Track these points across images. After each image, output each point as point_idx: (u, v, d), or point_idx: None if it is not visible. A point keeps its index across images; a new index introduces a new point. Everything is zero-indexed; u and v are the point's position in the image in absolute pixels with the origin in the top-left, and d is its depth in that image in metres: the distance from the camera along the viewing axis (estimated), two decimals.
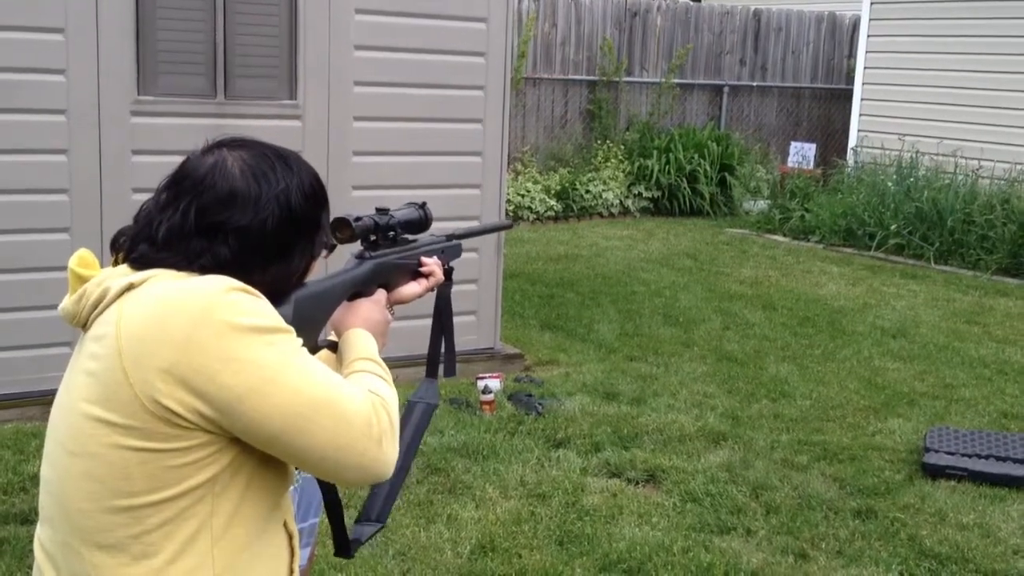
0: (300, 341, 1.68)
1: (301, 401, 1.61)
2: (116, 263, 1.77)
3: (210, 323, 1.59)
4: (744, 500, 4.35)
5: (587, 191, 11.70)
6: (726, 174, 12.42)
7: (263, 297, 1.67)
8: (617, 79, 12.73)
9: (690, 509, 4.24)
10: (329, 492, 2.04)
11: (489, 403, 5.19)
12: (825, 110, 14.62)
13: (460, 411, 5.16)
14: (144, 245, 1.71)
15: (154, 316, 1.61)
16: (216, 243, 1.70)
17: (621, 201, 11.94)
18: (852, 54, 13.97)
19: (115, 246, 1.78)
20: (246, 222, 1.71)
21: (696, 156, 12.29)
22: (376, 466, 1.69)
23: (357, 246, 2.08)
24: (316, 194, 1.83)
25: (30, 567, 2.33)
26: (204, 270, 1.68)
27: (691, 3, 13.67)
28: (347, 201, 4.63)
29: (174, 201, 1.72)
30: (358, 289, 2.02)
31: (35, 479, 4.03)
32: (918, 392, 5.91)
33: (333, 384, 1.67)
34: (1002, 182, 10.32)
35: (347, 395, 1.67)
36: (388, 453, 1.70)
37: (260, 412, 1.60)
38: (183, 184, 1.73)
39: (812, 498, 4.38)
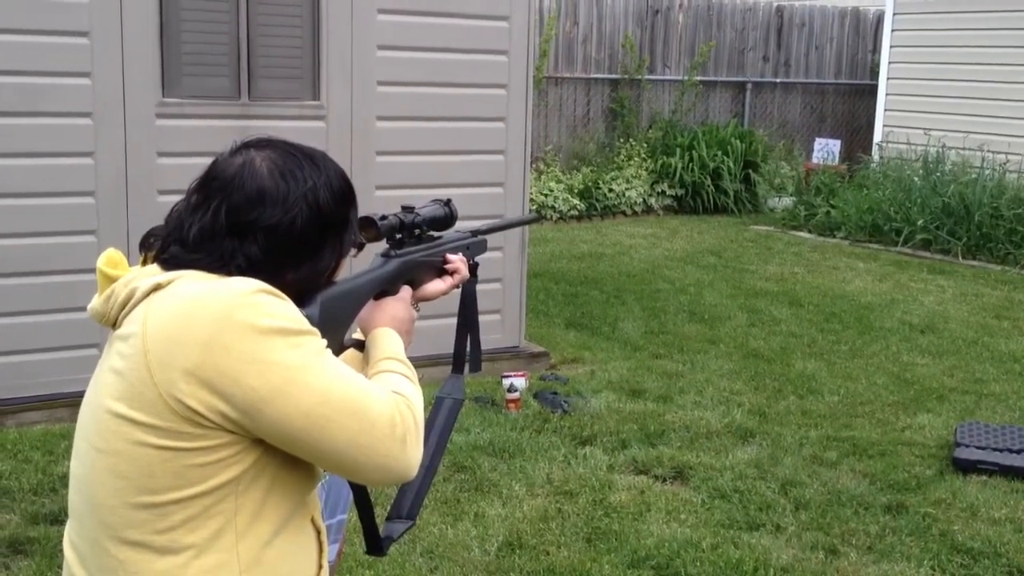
0: (324, 343, 1.68)
1: (324, 402, 1.62)
2: (145, 263, 1.78)
3: (234, 324, 1.59)
4: (773, 496, 4.32)
5: (610, 190, 11.67)
6: (750, 171, 12.36)
7: (288, 299, 1.67)
8: (639, 77, 12.69)
9: (718, 505, 4.22)
10: (359, 490, 2.04)
11: (515, 401, 5.19)
12: (849, 106, 14.53)
13: (486, 409, 5.16)
14: (176, 247, 1.73)
15: (179, 317, 1.61)
16: (247, 243, 1.71)
17: (644, 199, 11.90)
18: (876, 49, 13.87)
19: (144, 246, 1.79)
20: (275, 220, 1.72)
21: (720, 153, 12.23)
22: (400, 466, 1.69)
23: (383, 244, 2.08)
24: (344, 192, 1.83)
25: (60, 567, 2.35)
26: (238, 271, 1.69)
27: (713, 0, 13.61)
28: (371, 201, 4.64)
29: (204, 202, 1.73)
30: (384, 287, 2.03)
31: (64, 480, 4.05)
32: (947, 387, 5.86)
33: (357, 385, 1.66)
34: None
35: (371, 396, 1.67)
36: (412, 453, 1.70)
37: (283, 413, 1.60)
38: (212, 185, 1.74)
39: (842, 494, 4.35)
